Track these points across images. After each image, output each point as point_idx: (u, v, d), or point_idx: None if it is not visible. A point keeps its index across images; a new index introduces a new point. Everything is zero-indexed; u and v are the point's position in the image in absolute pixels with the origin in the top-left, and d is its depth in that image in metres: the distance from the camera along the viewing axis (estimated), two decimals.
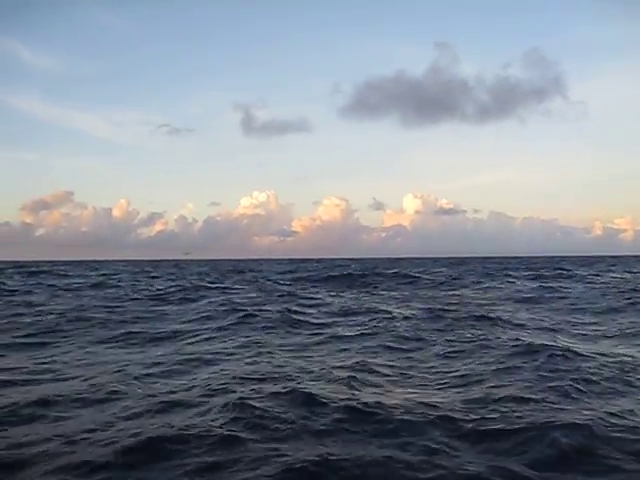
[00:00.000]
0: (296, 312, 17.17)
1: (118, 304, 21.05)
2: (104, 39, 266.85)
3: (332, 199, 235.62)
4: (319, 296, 24.10)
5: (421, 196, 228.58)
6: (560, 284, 29.03)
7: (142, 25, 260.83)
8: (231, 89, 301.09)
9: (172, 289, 28.27)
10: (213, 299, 22.37)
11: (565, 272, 42.69)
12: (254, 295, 24.62)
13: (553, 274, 39.89)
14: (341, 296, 24.43)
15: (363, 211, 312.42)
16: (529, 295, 23.05)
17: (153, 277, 45.07)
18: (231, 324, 14.75)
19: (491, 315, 15.48)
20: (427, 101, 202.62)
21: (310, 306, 19.65)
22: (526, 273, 42.46)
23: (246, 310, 17.14)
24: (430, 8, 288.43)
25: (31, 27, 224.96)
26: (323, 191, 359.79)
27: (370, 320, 15.28)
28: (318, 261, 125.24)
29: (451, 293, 25.42)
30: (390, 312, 16.77)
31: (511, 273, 43.30)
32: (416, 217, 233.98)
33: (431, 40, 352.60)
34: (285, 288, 29.40)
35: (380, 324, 14.38)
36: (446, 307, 18.05)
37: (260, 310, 17.30)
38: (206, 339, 12.69)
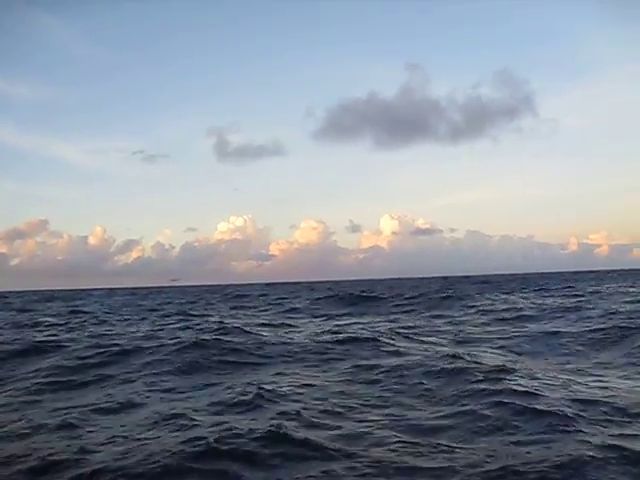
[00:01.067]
0: None
1: None
2: (79, 67, 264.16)
3: (309, 222, 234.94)
4: None
5: (398, 217, 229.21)
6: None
7: (116, 53, 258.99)
8: (205, 114, 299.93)
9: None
10: None
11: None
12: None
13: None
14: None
15: (340, 233, 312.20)
16: None
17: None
18: None
19: None
20: (400, 122, 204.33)
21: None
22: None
23: None
24: (400, 29, 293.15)
25: (5, 56, 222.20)
26: (300, 214, 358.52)
27: None
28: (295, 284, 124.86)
29: None
30: None
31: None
32: (393, 238, 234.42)
33: (402, 61, 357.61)
34: None
35: None
36: None
37: None
38: None
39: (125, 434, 7.01)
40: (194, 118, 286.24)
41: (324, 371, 11.15)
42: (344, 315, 27.03)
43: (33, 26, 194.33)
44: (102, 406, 8.63)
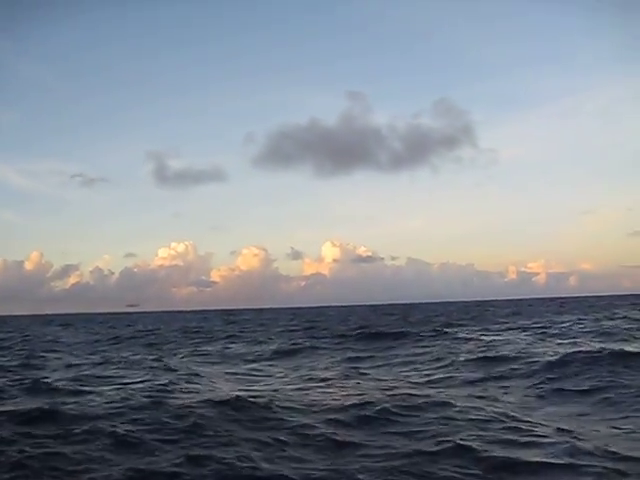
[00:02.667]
0: None
1: None
2: (17, 87, 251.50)
3: (251, 249, 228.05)
4: None
5: (339, 244, 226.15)
6: None
7: (56, 75, 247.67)
8: (144, 138, 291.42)
9: None
10: None
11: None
12: None
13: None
14: None
15: (282, 260, 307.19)
16: None
17: None
18: None
19: None
20: (341, 149, 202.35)
21: None
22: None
23: None
24: (340, 56, 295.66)
25: None
26: (241, 241, 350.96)
27: None
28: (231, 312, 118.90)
29: None
30: None
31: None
32: (335, 265, 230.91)
33: (343, 88, 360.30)
34: None
35: None
36: None
37: None
38: None
39: None
40: (134, 142, 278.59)
41: None
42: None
43: None
44: None
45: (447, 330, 28.24)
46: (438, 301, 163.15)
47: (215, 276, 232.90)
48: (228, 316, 69.72)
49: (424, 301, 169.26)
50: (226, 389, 12.31)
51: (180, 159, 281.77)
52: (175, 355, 21.64)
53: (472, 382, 13.03)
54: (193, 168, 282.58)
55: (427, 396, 10.84)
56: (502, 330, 28.44)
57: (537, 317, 41.67)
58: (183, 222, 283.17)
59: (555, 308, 62.29)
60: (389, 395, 10.95)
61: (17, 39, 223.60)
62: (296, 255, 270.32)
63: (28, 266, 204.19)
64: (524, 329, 28.03)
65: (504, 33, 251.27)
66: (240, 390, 12.02)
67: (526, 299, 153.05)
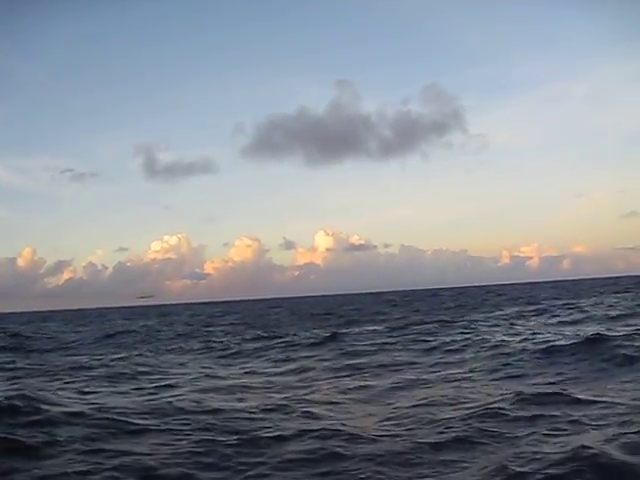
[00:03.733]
0: None
1: None
2: (4, 82, 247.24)
3: (243, 240, 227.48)
4: None
5: (332, 233, 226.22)
6: None
7: (44, 70, 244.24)
8: (133, 132, 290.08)
9: None
10: None
11: None
12: None
13: None
14: None
15: (275, 251, 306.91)
16: None
17: None
18: None
19: None
20: (331, 138, 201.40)
21: None
22: None
23: None
24: (328, 45, 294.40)
25: None
26: (233, 232, 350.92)
27: None
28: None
29: None
30: None
31: None
32: (328, 254, 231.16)
33: (331, 77, 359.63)
34: None
35: None
36: None
37: None
38: None
39: None
40: (123, 136, 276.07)
41: None
42: None
43: None
44: None
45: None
46: (433, 287, 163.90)
47: (209, 268, 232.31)
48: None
49: (419, 288, 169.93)
50: None
51: (169, 152, 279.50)
52: None
53: None
54: (183, 160, 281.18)
55: None
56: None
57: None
58: (175, 215, 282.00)
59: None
60: None
61: (6, 36, 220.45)
62: (289, 245, 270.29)
63: (21, 263, 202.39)
64: None
65: (493, 18, 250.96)
66: None
67: (520, 283, 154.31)
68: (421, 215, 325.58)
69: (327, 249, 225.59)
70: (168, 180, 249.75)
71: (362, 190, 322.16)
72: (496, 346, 16.24)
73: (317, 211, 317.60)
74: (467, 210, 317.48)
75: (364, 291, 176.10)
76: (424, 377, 12.80)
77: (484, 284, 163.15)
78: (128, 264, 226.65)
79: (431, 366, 14.42)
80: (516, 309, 35.76)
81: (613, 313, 25.76)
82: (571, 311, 29.90)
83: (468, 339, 18.71)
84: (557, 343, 15.47)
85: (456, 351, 16.57)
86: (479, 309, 40.02)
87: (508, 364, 13.46)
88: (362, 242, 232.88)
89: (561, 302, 39.57)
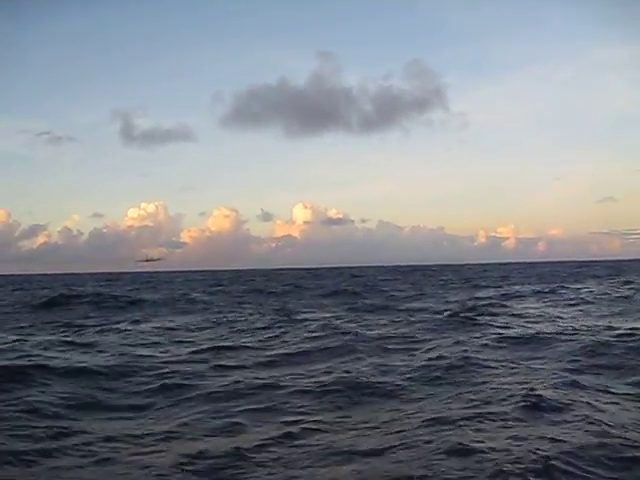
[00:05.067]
0: None
1: None
2: None
3: (221, 210, 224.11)
4: None
5: (310, 206, 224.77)
6: None
7: (22, 29, 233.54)
8: (111, 97, 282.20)
9: None
10: None
11: None
12: None
13: None
14: None
15: (253, 222, 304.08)
16: None
17: None
18: None
19: None
20: (311, 110, 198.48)
21: None
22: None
23: None
24: (311, 16, 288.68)
25: None
26: (211, 202, 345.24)
27: None
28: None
29: None
30: None
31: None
32: (306, 227, 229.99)
33: (313, 49, 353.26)
34: None
35: None
36: None
37: None
38: None
39: None
40: (100, 101, 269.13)
41: None
42: None
43: None
44: None
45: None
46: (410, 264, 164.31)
47: (185, 237, 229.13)
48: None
49: (395, 264, 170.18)
50: None
51: (147, 118, 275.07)
52: None
53: None
54: (161, 127, 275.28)
55: None
56: None
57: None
58: (152, 182, 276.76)
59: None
60: None
61: None
62: (267, 217, 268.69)
63: None
64: None
65: None
66: None
67: (495, 263, 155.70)
68: (400, 191, 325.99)
69: (305, 222, 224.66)
70: (145, 147, 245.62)
71: (341, 164, 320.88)
72: None
73: (296, 184, 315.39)
74: (446, 188, 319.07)
75: (343, 265, 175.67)
76: None
77: (460, 263, 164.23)
78: (104, 230, 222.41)
79: None
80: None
81: None
82: None
83: None
84: None
85: None
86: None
87: None
88: (340, 216, 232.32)
89: None
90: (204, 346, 14.20)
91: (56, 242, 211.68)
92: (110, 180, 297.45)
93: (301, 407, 8.36)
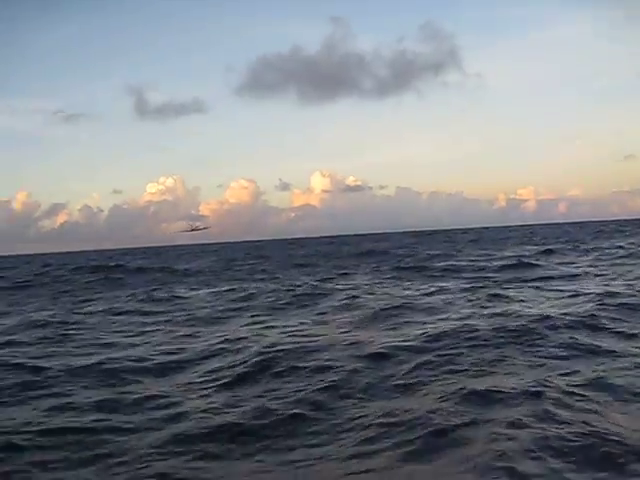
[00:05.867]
0: None
1: None
2: None
3: (239, 181, 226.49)
4: None
5: (328, 174, 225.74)
6: None
7: (34, 11, 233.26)
8: (124, 73, 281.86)
9: None
10: None
11: None
12: None
13: None
14: None
15: (271, 192, 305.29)
16: None
17: None
18: None
19: None
20: (325, 77, 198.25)
21: None
22: None
23: None
24: None
25: None
26: (228, 173, 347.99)
27: None
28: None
29: None
30: None
31: None
32: (324, 196, 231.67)
33: (325, 15, 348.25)
34: None
35: None
36: None
37: None
38: None
39: None
40: (113, 78, 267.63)
41: None
42: None
43: None
44: None
45: None
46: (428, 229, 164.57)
47: (205, 210, 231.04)
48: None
49: (416, 229, 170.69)
50: None
51: (160, 92, 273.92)
52: None
53: None
54: (174, 101, 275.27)
55: None
56: None
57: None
58: (168, 157, 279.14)
59: None
60: None
61: None
62: (285, 186, 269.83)
63: (15, 206, 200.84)
64: None
65: None
66: None
67: (515, 226, 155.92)
68: (417, 156, 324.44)
69: (323, 190, 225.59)
70: (161, 121, 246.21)
71: (358, 130, 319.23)
72: None
73: (313, 152, 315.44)
74: (463, 151, 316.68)
75: (363, 232, 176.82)
76: None
77: (482, 226, 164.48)
78: (124, 207, 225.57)
79: None
80: None
81: None
82: None
83: None
84: None
85: None
86: None
87: None
88: (358, 183, 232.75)
89: None
90: None
91: (77, 220, 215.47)
92: (127, 156, 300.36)
93: None
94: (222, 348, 10.07)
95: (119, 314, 15.54)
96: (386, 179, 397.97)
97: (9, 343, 11.44)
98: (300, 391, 7.15)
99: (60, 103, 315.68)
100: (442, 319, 11.38)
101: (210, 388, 7.72)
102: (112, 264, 43.55)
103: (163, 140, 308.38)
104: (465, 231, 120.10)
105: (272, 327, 12.02)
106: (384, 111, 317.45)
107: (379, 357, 8.59)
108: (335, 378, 7.53)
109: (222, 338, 10.95)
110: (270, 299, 16.74)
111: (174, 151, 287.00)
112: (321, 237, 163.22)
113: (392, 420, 5.96)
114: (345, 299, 15.44)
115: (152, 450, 5.59)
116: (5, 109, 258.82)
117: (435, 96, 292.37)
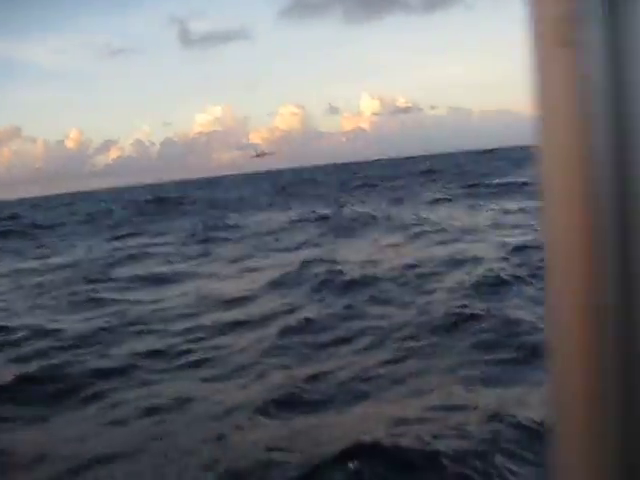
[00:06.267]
0: None
1: None
2: None
3: (288, 107, 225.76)
4: None
5: (377, 97, 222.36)
6: None
7: None
8: (165, 5, 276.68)
9: None
10: None
11: None
12: None
13: None
14: None
15: (320, 117, 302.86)
16: None
17: None
18: None
19: None
20: None
21: None
22: None
23: None
24: None
25: None
26: (276, 100, 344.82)
27: None
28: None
29: None
30: None
31: None
32: (374, 118, 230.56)
33: None
34: None
35: None
36: None
37: None
38: None
39: None
40: (159, 9, 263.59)
41: None
42: None
43: None
44: None
45: None
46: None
47: (255, 138, 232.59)
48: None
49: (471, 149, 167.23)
50: None
51: (204, 21, 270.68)
52: None
53: None
54: (218, 29, 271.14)
55: None
56: None
57: None
58: (215, 85, 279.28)
59: None
60: None
61: None
62: (334, 110, 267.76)
63: (69, 144, 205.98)
64: None
65: None
66: None
67: None
68: (467, 74, 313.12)
69: (373, 113, 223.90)
70: (205, 49, 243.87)
71: (404, 49, 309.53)
72: None
73: (360, 73, 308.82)
74: (514, 67, 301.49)
75: (417, 154, 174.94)
76: None
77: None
78: (175, 139, 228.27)
79: None
80: None
81: None
82: None
83: None
84: None
85: None
86: None
87: None
88: (409, 105, 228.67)
89: None
90: None
91: (130, 155, 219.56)
92: (174, 87, 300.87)
93: None
94: None
95: None
96: (436, 99, 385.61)
97: None
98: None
99: (105, 37, 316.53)
100: None
101: None
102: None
103: (210, 69, 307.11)
104: (521, 149, 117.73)
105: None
106: (431, 28, 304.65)
107: None
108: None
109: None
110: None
111: (221, 79, 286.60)
112: (373, 160, 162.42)
113: None
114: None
115: None
116: (51, 49, 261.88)
117: (484, 8, 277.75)
